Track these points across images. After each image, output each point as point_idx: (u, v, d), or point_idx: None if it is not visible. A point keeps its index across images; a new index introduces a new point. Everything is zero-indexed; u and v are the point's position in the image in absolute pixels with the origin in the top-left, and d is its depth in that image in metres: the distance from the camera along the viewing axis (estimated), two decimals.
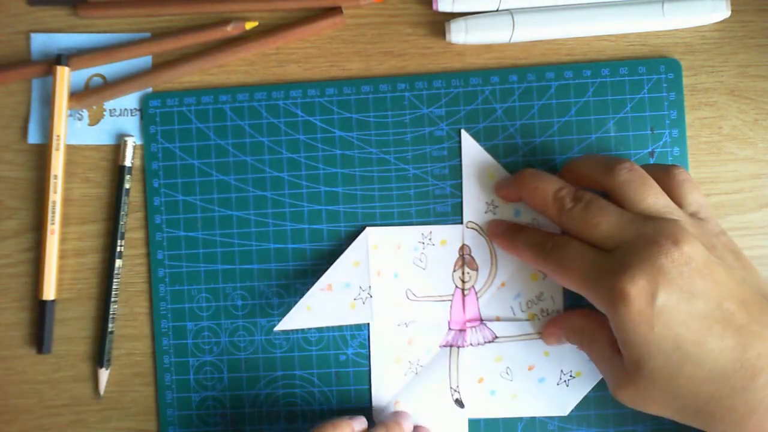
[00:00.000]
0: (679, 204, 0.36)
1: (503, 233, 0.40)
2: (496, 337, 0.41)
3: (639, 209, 0.34)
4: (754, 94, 0.43)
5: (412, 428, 0.40)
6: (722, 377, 0.32)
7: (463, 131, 0.40)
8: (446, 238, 0.42)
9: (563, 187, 0.36)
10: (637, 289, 0.32)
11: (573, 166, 0.39)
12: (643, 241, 0.33)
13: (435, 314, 0.42)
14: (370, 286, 0.41)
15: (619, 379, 0.34)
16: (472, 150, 0.41)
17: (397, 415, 0.41)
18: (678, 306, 0.32)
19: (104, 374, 0.43)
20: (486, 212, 0.41)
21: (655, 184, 0.35)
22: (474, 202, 0.41)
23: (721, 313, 0.32)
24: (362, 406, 0.42)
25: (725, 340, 0.32)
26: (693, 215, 0.35)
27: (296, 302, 0.42)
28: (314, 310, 0.41)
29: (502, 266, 0.41)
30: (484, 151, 0.41)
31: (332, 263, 0.42)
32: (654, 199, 0.35)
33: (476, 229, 0.41)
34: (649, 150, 0.42)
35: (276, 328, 0.41)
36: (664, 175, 0.36)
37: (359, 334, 0.42)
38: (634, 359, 0.33)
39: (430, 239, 0.42)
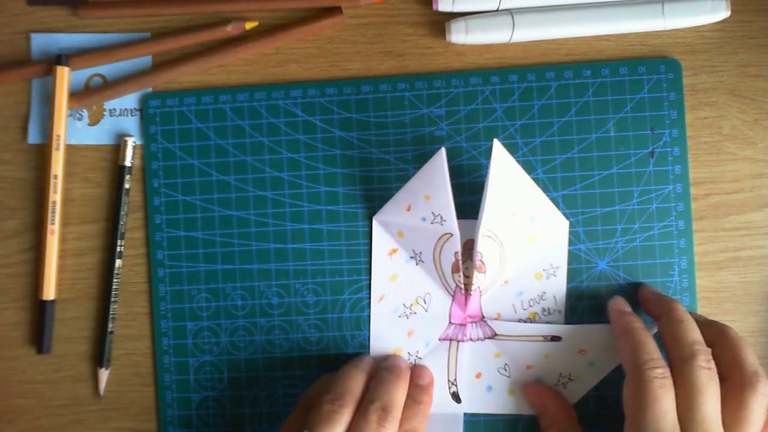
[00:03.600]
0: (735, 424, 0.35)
1: (623, 315, 0.39)
2: (496, 335, 0.41)
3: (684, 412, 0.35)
4: (754, 94, 0.43)
5: (425, 380, 0.41)
6: None
7: (495, 141, 0.38)
8: (452, 232, 0.42)
9: (701, 342, 0.36)
10: None
11: (659, 318, 0.39)
12: None
13: (437, 307, 0.42)
14: (420, 252, 0.42)
15: None
16: (503, 162, 0.39)
17: (395, 367, 0.41)
18: None
19: (104, 374, 0.43)
20: (504, 219, 0.40)
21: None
22: (495, 211, 0.39)
23: None
24: None
25: None
26: None
27: (296, 302, 0.42)
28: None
29: (508, 265, 0.41)
30: (516, 164, 0.39)
31: (332, 263, 0.42)
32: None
33: (492, 237, 0.40)
34: (649, 150, 0.42)
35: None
36: (748, 381, 0.35)
37: (359, 334, 0.42)
38: None
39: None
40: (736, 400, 0.35)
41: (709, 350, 0.36)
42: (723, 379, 0.36)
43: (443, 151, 0.38)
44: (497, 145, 0.38)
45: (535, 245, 0.42)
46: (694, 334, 0.36)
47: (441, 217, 0.40)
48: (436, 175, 0.38)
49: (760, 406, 0.34)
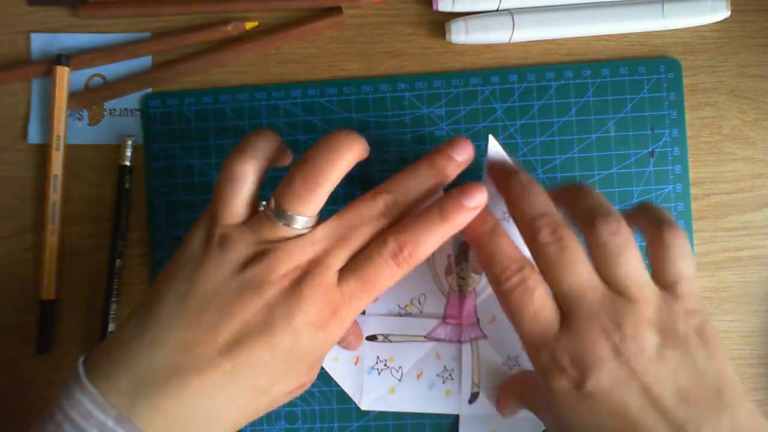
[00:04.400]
0: (659, 270, 0.33)
1: (482, 231, 0.35)
2: (486, 337, 0.42)
3: (608, 276, 0.33)
4: (754, 94, 0.43)
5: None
6: None
7: (491, 136, 0.37)
8: None
9: (546, 214, 0.33)
10: (570, 369, 0.31)
11: (562, 194, 0.36)
12: (595, 325, 0.31)
13: (431, 308, 0.42)
14: None
15: None
16: (497, 157, 0.38)
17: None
18: (609, 396, 0.31)
19: None
20: (501, 220, 0.40)
21: (636, 252, 0.33)
22: (491, 209, 0.39)
23: (656, 410, 0.30)
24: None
25: None
26: (668, 288, 0.33)
27: None
28: None
29: None
30: (509, 159, 0.38)
31: None
32: (627, 269, 0.32)
33: None
34: (649, 150, 0.42)
35: None
36: (656, 230, 0.34)
37: None
38: (554, 429, 0.34)
39: None
40: (653, 254, 0.34)
41: (613, 213, 0.33)
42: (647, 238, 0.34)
43: None
44: (492, 141, 0.38)
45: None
46: (596, 198, 0.34)
47: None
48: None
49: (675, 246, 0.33)
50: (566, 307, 0.32)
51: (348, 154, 0.33)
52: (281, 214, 0.32)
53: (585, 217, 0.34)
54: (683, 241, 0.33)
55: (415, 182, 0.34)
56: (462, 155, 0.35)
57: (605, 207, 0.34)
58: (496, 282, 0.34)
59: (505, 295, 0.33)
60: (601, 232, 0.32)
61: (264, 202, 0.33)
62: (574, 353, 0.31)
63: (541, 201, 0.34)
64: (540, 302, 0.33)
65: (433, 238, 0.33)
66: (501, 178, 0.36)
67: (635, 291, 0.32)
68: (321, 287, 0.32)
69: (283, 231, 0.32)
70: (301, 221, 0.32)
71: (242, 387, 0.31)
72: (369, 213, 0.33)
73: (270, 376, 0.31)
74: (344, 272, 0.32)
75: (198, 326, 0.31)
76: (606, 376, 0.31)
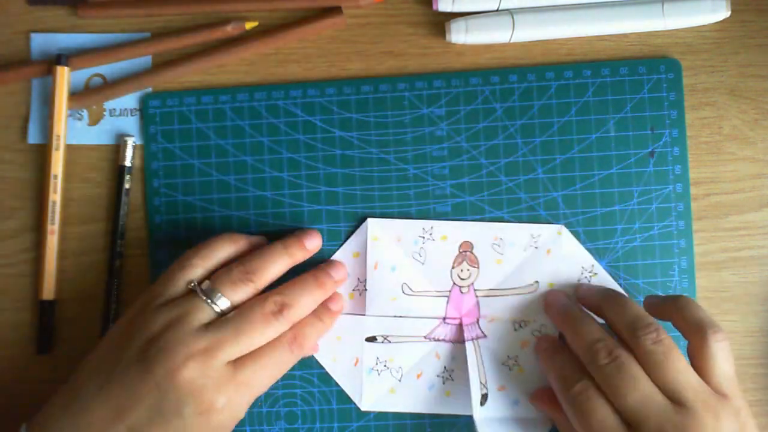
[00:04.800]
0: (704, 374, 0.35)
1: (545, 349, 0.40)
2: (486, 337, 0.42)
3: (660, 381, 0.35)
4: (754, 94, 0.43)
5: (316, 247, 0.41)
6: None
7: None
8: (447, 234, 0.42)
9: (600, 339, 0.37)
10: None
11: (600, 307, 0.39)
12: None
13: (431, 310, 0.42)
14: (366, 279, 0.41)
15: None
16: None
17: (301, 234, 0.41)
18: None
19: None
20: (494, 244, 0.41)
21: (681, 357, 0.35)
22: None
23: None
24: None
25: None
26: (716, 388, 0.35)
27: None
28: None
29: (506, 268, 0.41)
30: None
31: None
32: (675, 373, 0.35)
33: (494, 243, 0.41)
34: (649, 150, 0.42)
35: None
36: (699, 336, 0.36)
37: None
38: None
39: (430, 234, 0.42)
40: (698, 358, 0.36)
41: (653, 323, 0.36)
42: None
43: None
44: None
45: (533, 258, 0.42)
46: (634, 310, 0.37)
47: (431, 232, 0.41)
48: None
49: (719, 350, 0.35)
50: (632, 421, 0.34)
51: (283, 264, 0.40)
52: (211, 291, 0.37)
53: (627, 330, 0.36)
54: (725, 344, 0.36)
55: (305, 290, 0.39)
56: (336, 306, 0.41)
57: (643, 317, 0.37)
58: (559, 396, 0.38)
59: (567, 406, 0.37)
60: (645, 341, 0.35)
61: (195, 280, 0.38)
62: None
63: (594, 329, 0.38)
64: (602, 414, 0.35)
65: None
66: (557, 315, 0.40)
67: (691, 395, 0.34)
68: (211, 378, 0.35)
69: (203, 308, 0.37)
70: (223, 302, 0.37)
71: None
72: (261, 309, 0.37)
73: None
74: (243, 359, 0.37)
75: (109, 409, 0.35)
76: None
